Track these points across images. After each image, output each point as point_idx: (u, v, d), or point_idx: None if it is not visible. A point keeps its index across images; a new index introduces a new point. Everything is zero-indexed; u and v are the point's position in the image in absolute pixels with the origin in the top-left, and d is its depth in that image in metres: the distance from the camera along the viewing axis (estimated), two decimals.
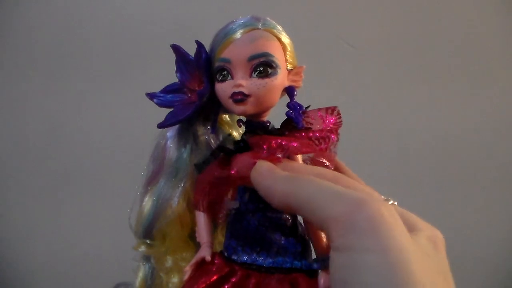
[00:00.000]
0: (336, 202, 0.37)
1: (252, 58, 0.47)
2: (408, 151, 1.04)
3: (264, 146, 0.46)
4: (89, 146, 1.06)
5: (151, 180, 0.54)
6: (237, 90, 0.48)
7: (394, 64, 1.04)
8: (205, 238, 0.51)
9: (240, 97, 0.48)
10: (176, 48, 0.53)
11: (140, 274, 0.54)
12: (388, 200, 0.43)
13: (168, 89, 0.54)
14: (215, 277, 0.47)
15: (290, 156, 0.49)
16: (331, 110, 0.51)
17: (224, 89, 0.49)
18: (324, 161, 0.50)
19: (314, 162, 0.51)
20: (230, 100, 0.48)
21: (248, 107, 0.48)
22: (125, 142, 1.04)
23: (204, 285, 0.47)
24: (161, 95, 0.55)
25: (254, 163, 0.45)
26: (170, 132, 0.54)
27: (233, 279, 0.47)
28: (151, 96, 0.55)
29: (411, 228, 0.39)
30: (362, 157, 1.01)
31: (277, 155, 0.46)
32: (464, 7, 1.05)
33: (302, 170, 0.45)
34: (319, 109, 0.51)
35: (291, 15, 0.96)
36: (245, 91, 0.47)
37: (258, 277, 0.47)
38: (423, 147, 1.04)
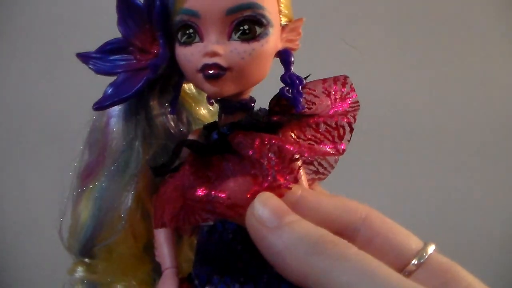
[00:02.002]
0: None
1: (232, 10, 0.32)
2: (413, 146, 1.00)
3: (264, 163, 0.31)
4: None
5: (88, 176, 0.39)
6: (210, 61, 0.32)
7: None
8: (168, 261, 0.37)
9: (215, 72, 0.32)
10: None
11: None
12: (426, 246, 0.31)
13: (108, 48, 0.38)
14: None
15: None
16: (341, 82, 0.36)
17: (189, 57, 0.33)
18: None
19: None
20: (200, 75, 0.33)
21: (226, 86, 0.33)
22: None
23: None
24: (98, 55, 0.38)
25: (253, 194, 0.30)
26: (114, 108, 0.38)
27: None
28: (83, 57, 0.38)
29: None
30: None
31: (288, 181, 0.31)
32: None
33: (327, 210, 0.31)
34: (324, 80, 0.36)
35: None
36: (223, 62, 0.32)
37: None
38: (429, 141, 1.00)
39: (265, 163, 0.31)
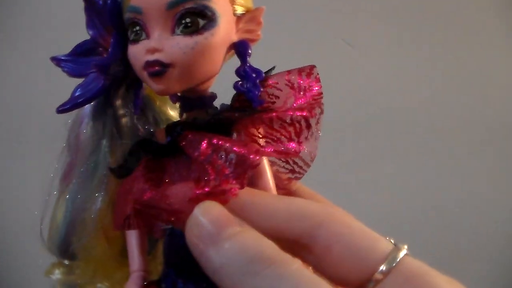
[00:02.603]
0: None
1: (172, 5, 0.30)
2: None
3: (209, 169, 0.29)
4: None
5: (64, 178, 0.39)
6: (151, 58, 0.31)
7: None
8: (137, 264, 0.36)
9: (157, 69, 0.31)
10: None
11: None
12: (397, 250, 0.27)
13: (79, 51, 0.38)
14: None
15: None
16: (306, 72, 0.34)
17: (136, 54, 0.32)
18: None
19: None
20: (145, 73, 0.32)
21: (171, 84, 0.32)
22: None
23: None
24: (70, 58, 0.38)
25: (194, 200, 0.28)
26: (86, 110, 0.38)
27: None
28: (56, 61, 0.39)
29: None
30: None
31: (234, 186, 0.29)
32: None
33: (279, 217, 0.29)
34: (288, 72, 0.34)
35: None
36: (164, 58, 0.31)
37: None
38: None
39: (209, 166, 0.29)
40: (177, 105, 0.37)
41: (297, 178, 0.36)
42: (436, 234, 0.94)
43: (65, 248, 0.39)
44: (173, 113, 0.39)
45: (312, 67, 0.34)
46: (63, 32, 0.89)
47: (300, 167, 0.36)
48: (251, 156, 0.29)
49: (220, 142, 0.30)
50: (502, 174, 0.98)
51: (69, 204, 0.38)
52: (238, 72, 0.33)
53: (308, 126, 0.32)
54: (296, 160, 0.36)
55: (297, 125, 0.32)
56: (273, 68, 0.34)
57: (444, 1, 0.99)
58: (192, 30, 0.30)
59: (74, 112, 0.38)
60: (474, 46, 0.98)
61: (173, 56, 0.31)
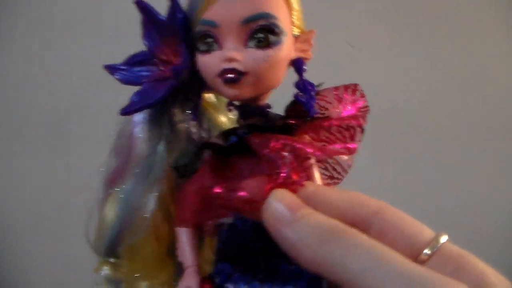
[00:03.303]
0: None
1: (248, 20, 0.34)
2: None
3: (279, 162, 0.33)
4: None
5: (114, 180, 0.41)
6: (228, 66, 0.34)
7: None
8: (190, 260, 0.39)
9: (233, 76, 0.34)
10: (142, 6, 0.39)
11: None
12: (439, 236, 0.32)
13: (134, 61, 0.41)
14: None
15: None
16: (352, 89, 0.38)
17: (209, 63, 0.36)
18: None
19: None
20: (219, 80, 0.35)
21: (244, 90, 0.35)
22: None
23: None
24: (124, 67, 0.41)
25: (269, 190, 0.33)
26: (139, 116, 0.41)
27: None
28: (110, 69, 0.41)
29: (479, 285, 0.28)
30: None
31: (301, 178, 0.33)
32: None
33: (340, 204, 0.33)
34: (336, 88, 0.38)
35: None
36: (240, 67, 0.34)
37: None
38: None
39: (280, 161, 0.33)
40: (228, 113, 0.40)
41: (335, 183, 0.41)
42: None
43: (114, 248, 0.41)
44: (224, 120, 0.42)
45: (356, 85, 0.38)
46: (63, 32, 0.95)
47: (339, 173, 0.40)
48: (316, 153, 0.34)
49: (287, 141, 0.34)
50: (502, 174, 1.00)
51: (123, 204, 0.40)
52: (297, 85, 0.37)
53: (362, 131, 0.36)
54: (336, 167, 0.40)
55: (351, 130, 0.36)
56: (322, 83, 0.38)
57: (444, 1, 1.01)
58: (264, 44, 0.34)
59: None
60: (474, 46, 1.00)
61: (248, 65, 0.34)
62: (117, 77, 0.41)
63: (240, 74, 0.34)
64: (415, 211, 0.94)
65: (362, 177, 0.93)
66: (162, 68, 0.40)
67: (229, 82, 0.35)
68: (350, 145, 0.36)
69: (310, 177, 0.35)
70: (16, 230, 0.97)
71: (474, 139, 0.99)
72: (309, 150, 0.34)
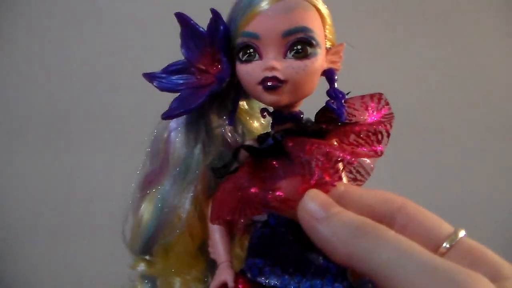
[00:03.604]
0: (430, 282, 0.29)
1: (287, 33, 0.37)
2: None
3: (313, 164, 0.36)
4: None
5: (150, 182, 0.44)
6: (270, 74, 0.37)
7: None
8: (223, 256, 0.41)
9: (274, 83, 0.37)
10: (182, 18, 0.42)
11: None
12: (457, 231, 0.35)
13: (172, 69, 0.44)
14: None
15: None
16: (377, 97, 0.41)
17: (250, 72, 0.39)
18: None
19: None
20: (259, 87, 0.38)
21: (283, 96, 0.38)
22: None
23: None
24: (163, 75, 0.44)
25: (303, 190, 0.35)
26: (174, 122, 0.44)
27: None
28: (149, 77, 0.44)
29: (494, 276, 0.31)
30: None
31: (333, 179, 0.36)
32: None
33: (367, 202, 0.36)
34: (362, 96, 0.42)
35: None
36: (280, 75, 0.38)
37: None
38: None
39: (313, 163, 0.36)
40: (261, 119, 0.43)
41: (358, 185, 0.44)
42: None
43: (150, 246, 0.43)
44: (257, 126, 0.45)
45: (381, 94, 0.41)
46: (62, 32, 0.96)
47: (362, 176, 0.44)
48: (347, 157, 0.37)
49: (320, 145, 0.37)
50: (502, 174, 1.01)
51: (160, 204, 0.42)
52: (329, 93, 0.40)
53: (388, 135, 0.39)
54: (360, 169, 0.43)
55: (379, 135, 0.39)
56: (349, 92, 0.41)
57: (444, 1, 1.02)
58: (302, 55, 0.38)
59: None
60: (474, 46, 1.01)
61: (287, 74, 0.37)
62: (155, 84, 0.44)
63: (280, 82, 0.37)
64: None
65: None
66: (198, 76, 0.43)
67: (270, 89, 0.38)
68: (377, 148, 0.39)
69: (341, 178, 0.38)
70: (16, 230, 0.98)
71: (474, 139, 1.00)
72: (340, 153, 0.37)
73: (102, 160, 0.94)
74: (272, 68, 0.37)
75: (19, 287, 0.98)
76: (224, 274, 0.40)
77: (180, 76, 0.43)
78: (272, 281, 0.39)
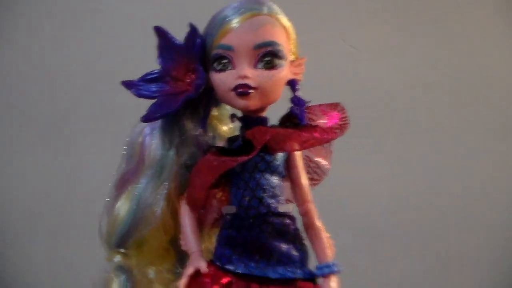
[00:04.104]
0: None
1: (258, 46, 0.43)
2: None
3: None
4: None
5: (126, 181, 0.48)
6: (242, 82, 0.43)
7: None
8: (195, 246, 0.46)
9: (245, 90, 0.43)
10: (160, 31, 0.47)
11: (115, 286, 0.47)
12: None
13: (148, 78, 0.48)
14: None
15: (290, 154, 0.46)
16: (334, 105, 0.47)
17: (224, 80, 0.44)
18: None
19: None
20: (232, 93, 0.43)
21: (253, 102, 0.44)
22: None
23: None
24: (140, 83, 0.48)
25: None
26: (148, 128, 0.48)
27: None
28: (127, 85, 0.48)
29: None
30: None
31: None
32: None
33: None
34: (321, 105, 0.47)
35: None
36: (252, 83, 0.43)
37: None
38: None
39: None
40: (230, 124, 0.49)
41: (315, 184, 0.49)
42: (435, 232, 0.97)
43: (126, 240, 0.47)
44: (226, 129, 0.50)
45: (338, 103, 0.47)
46: (62, 31, 0.97)
47: (319, 175, 0.50)
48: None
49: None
50: (502, 173, 1.00)
51: (137, 200, 0.46)
52: (293, 100, 0.45)
53: (341, 132, 0.45)
54: (316, 170, 0.49)
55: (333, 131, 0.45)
56: (310, 101, 0.47)
57: (444, 2, 1.02)
58: (270, 66, 0.43)
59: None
60: (474, 45, 1.01)
61: (258, 82, 0.43)
62: (133, 92, 0.48)
63: (251, 89, 0.43)
64: (414, 209, 0.96)
65: (362, 174, 0.95)
66: (173, 84, 0.47)
67: (242, 95, 0.43)
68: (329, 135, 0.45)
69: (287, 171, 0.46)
70: (16, 230, 0.98)
71: (474, 138, 1.00)
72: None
73: (102, 160, 0.93)
74: (245, 77, 0.42)
75: (19, 287, 0.98)
76: (197, 261, 0.44)
77: (156, 84, 0.48)
78: (240, 268, 0.43)
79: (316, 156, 0.50)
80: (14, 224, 0.99)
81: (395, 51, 1.01)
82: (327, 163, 0.50)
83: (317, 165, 0.50)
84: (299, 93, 0.46)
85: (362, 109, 0.95)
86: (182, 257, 0.48)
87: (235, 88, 0.43)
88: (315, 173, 0.50)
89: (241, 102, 0.43)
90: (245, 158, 0.42)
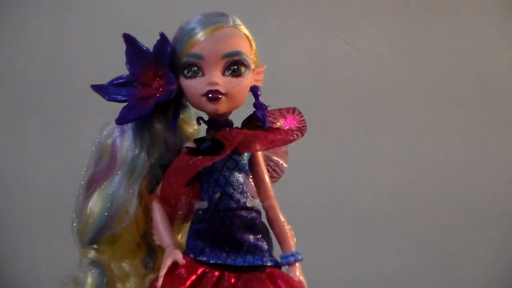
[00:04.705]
0: None
1: (226, 55, 0.47)
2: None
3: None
4: None
5: (95, 181, 0.51)
6: (212, 88, 0.46)
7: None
8: (168, 240, 0.49)
9: (216, 95, 0.47)
10: (129, 38, 0.50)
11: (90, 281, 0.50)
12: None
13: (117, 82, 0.51)
14: (189, 283, 0.46)
15: (253, 154, 0.50)
16: (292, 110, 0.52)
17: (195, 86, 0.47)
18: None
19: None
20: (203, 98, 0.47)
21: (222, 106, 0.48)
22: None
23: None
24: (109, 87, 0.51)
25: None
26: (117, 130, 0.51)
27: (209, 282, 0.46)
28: (97, 88, 0.51)
29: None
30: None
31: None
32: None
33: None
34: (280, 109, 0.52)
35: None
36: (221, 89, 0.47)
37: (235, 277, 0.47)
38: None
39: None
40: (196, 126, 0.52)
41: (273, 181, 0.54)
42: (436, 226, 1.01)
43: (99, 237, 0.49)
44: (192, 131, 0.53)
45: (295, 108, 0.52)
46: (63, 31, 0.98)
47: (277, 173, 0.55)
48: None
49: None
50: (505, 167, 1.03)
51: (110, 199, 0.49)
52: (255, 105, 0.50)
53: (301, 133, 0.50)
54: (276, 168, 0.54)
55: (294, 133, 0.50)
56: (269, 105, 0.51)
57: (444, 2, 1.05)
58: (237, 74, 0.47)
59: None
60: (475, 45, 1.03)
61: (226, 88, 0.47)
62: (103, 95, 0.50)
63: (221, 94, 0.47)
64: (414, 204, 1.01)
65: (363, 173, 0.99)
66: (141, 89, 0.50)
67: (212, 100, 0.47)
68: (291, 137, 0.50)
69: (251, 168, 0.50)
70: (16, 230, 0.99)
71: (477, 134, 1.03)
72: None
73: None
74: (215, 83, 0.46)
75: (19, 287, 0.98)
76: (174, 254, 0.48)
77: (125, 88, 0.50)
78: (212, 259, 0.47)
79: (275, 155, 0.55)
80: (14, 224, 0.99)
81: (395, 50, 1.04)
82: (284, 162, 0.55)
83: (276, 164, 0.55)
84: (261, 99, 0.50)
85: (361, 108, 1.01)
86: (152, 252, 0.52)
87: (206, 94, 0.47)
88: (274, 171, 0.55)
89: (212, 106, 0.47)
90: (219, 157, 0.46)
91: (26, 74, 0.98)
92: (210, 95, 0.47)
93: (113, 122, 0.49)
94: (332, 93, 0.98)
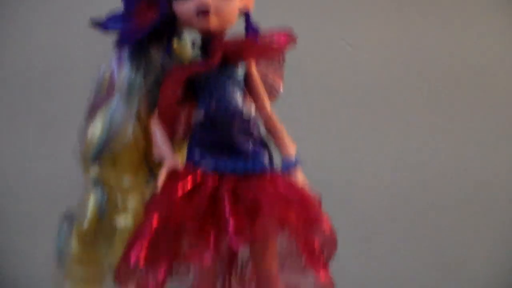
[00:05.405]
0: None
1: None
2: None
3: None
4: None
5: (97, 107, 0.54)
6: (202, 6, 0.49)
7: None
8: (168, 152, 0.51)
9: (207, 13, 0.49)
10: None
11: (92, 200, 0.52)
12: None
13: (114, 16, 0.54)
14: (189, 187, 0.48)
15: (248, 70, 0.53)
16: (283, 31, 0.54)
17: (187, 7, 0.50)
18: None
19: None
20: (195, 17, 0.50)
21: (212, 22, 0.50)
22: None
23: (181, 191, 0.47)
24: (107, 22, 0.54)
25: None
26: (115, 63, 0.54)
27: (210, 185, 0.48)
28: (95, 24, 0.54)
29: None
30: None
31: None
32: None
33: None
34: (272, 30, 0.54)
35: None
36: (211, 8, 0.49)
37: (235, 181, 0.49)
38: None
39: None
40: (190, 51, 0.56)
41: (271, 99, 0.55)
42: (435, 226, 0.99)
43: (101, 154, 0.52)
44: (188, 56, 0.56)
45: (287, 31, 0.54)
46: (62, 30, 0.97)
47: (272, 94, 0.56)
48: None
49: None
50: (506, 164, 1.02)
51: (109, 120, 0.52)
52: (247, 27, 0.53)
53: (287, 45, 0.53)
54: (271, 87, 0.56)
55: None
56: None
57: (443, 2, 1.03)
58: None
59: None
60: (474, 44, 1.01)
61: (216, 8, 0.50)
62: (101, 28, 0.53)
63: (210, 11, 0.49)
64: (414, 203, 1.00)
65: (363, 172, 0.98)
66: (137, 18, 0.53)
67: (202, 16, 0.50)
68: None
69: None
70: (16, 230, 0.99)
71: (476, 132, 1.02)
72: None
73: None
74: (206, 3, 0.49)
75: (19, 287, 0.97)
76: (172, 161, 0.51)
77: (120, 20, 0.54)
78: (212, 165, 0.50)
79: (271, 74, 0.56)
80: (14, 224, 0.99)
81: (394, 50, 1.03)
82: (280, 83, 0.56)
83: (272, 83, 0.56)
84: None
85: (361, 108, 1.01)
86: (154, 174, 0.54)
87: (197, 12, 0.49)
88: (270, 92, 0.56)
89: (204, 22, 0.50)
90: (211, 61, 0.49)
91: (26, 74, 0.98)
92: (201, 12, 0.49)
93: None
94: (332, 93, 0.99)
